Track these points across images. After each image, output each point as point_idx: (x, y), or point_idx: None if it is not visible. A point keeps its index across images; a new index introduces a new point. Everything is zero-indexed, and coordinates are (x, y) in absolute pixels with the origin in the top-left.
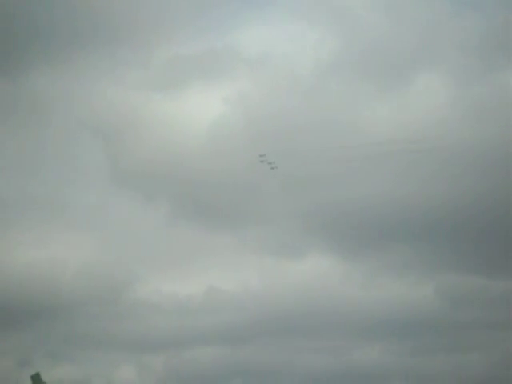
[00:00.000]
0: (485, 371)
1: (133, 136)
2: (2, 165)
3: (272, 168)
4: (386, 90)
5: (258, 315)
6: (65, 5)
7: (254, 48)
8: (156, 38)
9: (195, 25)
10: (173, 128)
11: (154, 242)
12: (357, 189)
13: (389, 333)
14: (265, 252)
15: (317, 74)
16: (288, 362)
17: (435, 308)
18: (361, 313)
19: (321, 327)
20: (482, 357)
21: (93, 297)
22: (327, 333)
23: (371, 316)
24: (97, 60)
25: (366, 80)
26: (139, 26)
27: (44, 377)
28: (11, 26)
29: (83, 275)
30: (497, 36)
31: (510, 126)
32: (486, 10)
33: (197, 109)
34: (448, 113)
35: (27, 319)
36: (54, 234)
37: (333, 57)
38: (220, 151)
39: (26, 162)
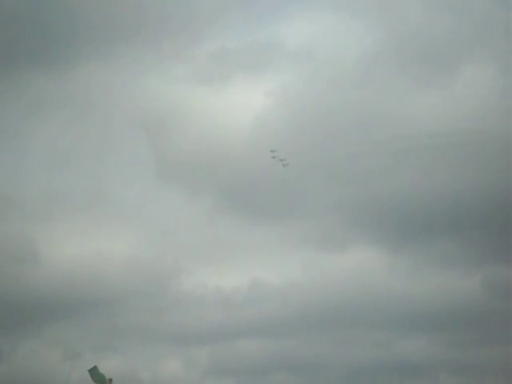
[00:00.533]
0: None
1: (177, 130)
2: (49, 159)
3: (284, 165)
4: (432, 81)
5: (302, 308)
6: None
7: (297, 41)
8: (201, 31)
9: (239, 18)
10: (216, 122)
11: (198, 236)
12: (401, 181)
13: (434, 325)
14: (308, 245)
15: (361, 66)
16: (332, 354)
17: (481, 300)
18: (405, 305)
19: (365, 319)
20: None
21: (139, 290)
22: (371, 325)
23: (416, 308)
24: (142, 54)
25: (411, 71)
26: (184, 19)
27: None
28: (57, 23)
29: (129, 268)
30: None
31: None
32: None
33: (240, 102)
34: (496, 104)
35: (74, 312)
36: (101, 228)
37: (377, 48)
38: (263, 145)
39: (72, 156)
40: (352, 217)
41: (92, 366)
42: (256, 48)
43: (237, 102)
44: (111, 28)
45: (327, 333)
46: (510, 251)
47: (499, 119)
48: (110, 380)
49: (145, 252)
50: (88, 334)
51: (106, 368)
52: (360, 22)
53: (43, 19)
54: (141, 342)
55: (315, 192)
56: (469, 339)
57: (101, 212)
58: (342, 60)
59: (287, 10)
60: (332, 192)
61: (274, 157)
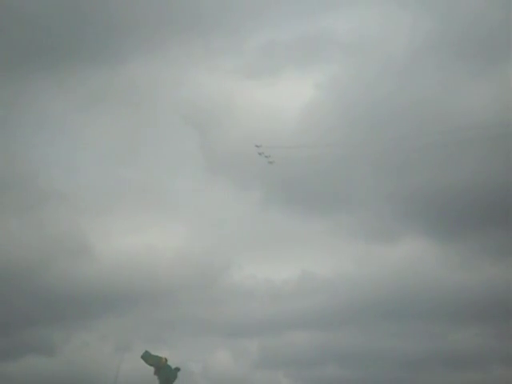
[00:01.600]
0: None
1: (226, 123)
2: (99, 153)
3: (270, 162)
4: (483, 71)
5: (353, 300)
6: None
7: (347, 32)
8: (250, 24)
9: (289, 11)
10: (265, 114)
11: (248, 228)
12: (452, 172)
13: (486, 316)
14: (359, 237)
15: (411, 57)
16: (383, 346)
17: None
18: (457, 296)
19: (416, 311)
20: None
21: (189, 282)
22: (422, 317)
23: (468, 299)
24: (192, 49)
25: (462, 61)
26: (233, 14)
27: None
28: (109, 19)
29: (180, 261)
30: None
31: None
32: None
33: (289, 95)
34: None
35: (126, 305)
36: (151, 221)
37: (427, 38)
38: (311, 137)
39: (122, 150)
40: (403, 208)
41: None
42: (306, 40)
43: (286, 94)
44: (162, 23)
45: (378, 324)
46: None
47: None
48: (166, 359)
49: (195, 245)
50: (139, 326)
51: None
52: (410, 12)
53: (96, 15)
54: (191, 334)
55: (365, 184)
56: None
57: (152, 205)
58: (391, 51)
59: (337, 2)
60: (382, 183)
61: (260, 153)
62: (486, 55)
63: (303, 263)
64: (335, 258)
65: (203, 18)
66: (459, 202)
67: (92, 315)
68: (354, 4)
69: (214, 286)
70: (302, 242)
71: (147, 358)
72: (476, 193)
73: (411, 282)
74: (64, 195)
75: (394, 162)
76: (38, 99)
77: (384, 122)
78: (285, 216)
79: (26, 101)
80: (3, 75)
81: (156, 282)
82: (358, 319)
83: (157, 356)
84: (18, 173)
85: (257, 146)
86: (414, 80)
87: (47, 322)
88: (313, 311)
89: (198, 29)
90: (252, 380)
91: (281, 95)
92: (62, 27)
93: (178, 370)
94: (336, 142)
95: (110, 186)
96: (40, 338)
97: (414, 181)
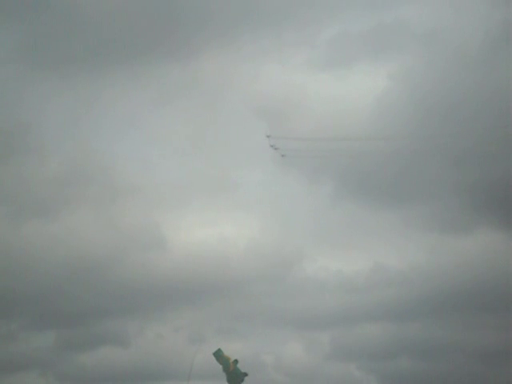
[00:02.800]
0: None
1: (297, 115)
2: (173, 148)
3: (282, 155)
4: None
5: (425, 292)
6: None
7: (420, 22)
8: (322, 17)
9: (360, 1)
10: (337, 107)
11: (320, 221)
12: None
13: None
14: (430, 228)
15: (486, 48)
16: (456, 338)
17: None
18: None
19: (489, 302)
20: None
21: (261, 274)
22: (496, 308)
23: None
24: (263, 42)
25: None
26: (305, 6)
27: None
28: (184, 13)
29: (252, 253)
30: None
31: None
32: None
33: (362, 86)
34: None
35: (199, 297)
36: (224, 214)
37: (503, 28)
38: (383, 129)
39: (195, 144)
40: (477, 199)
41: (216, 349)
42: (379, 31)
43: (359, 86)
44: (235, 18)
45: (452, 316)
46: None
47: None
48: (236, 361)
49: (268, 237)
50: (212, 318)
51: (230, 352)
52: (485, 2)
53: (170, 12)
54: (264, 326)
55: (439, 175)
56: None
57: (225, 198)
58: (467, 41)
59: None
60: (456, 175)
61: (271, 145)
62: None
63: (375, 255)
64: (408, 250)
65: (275, 11)
66: None
67: (166, 307)
68: None
69: (286, 278)
70: (374, 234)
71: (218, 357)
72: None
73: (487, 274)
74: (138, 189)
75: (468, 153)
76: (114, 96)
77: (458, 113)
78: (356, 208)
79: (104, 98)
80: (83, 74)
81: (229, 274)
82: (431, 311)
83: (227, 359)
84: (93, 167)
85: (268, 137)
86: (489, 70)
87: (122, 314)
88: (385, 303)
89: (270, 23)
90: (324, 372)
91: (353, 87)
92: (137, 25)
93: (245, 375)
94: (408, 133)
95: (184, 180)
96: (115, 330)
97: (489, 172)
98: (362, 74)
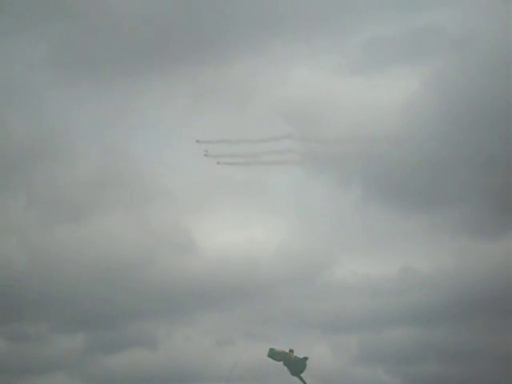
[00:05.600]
0: None
1: (326, 121)
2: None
3: (218, 163)
4: None
5: (453, 295)
6: None
7: (455, 27)
8: (353, 21)
9: (392, 5)
10: (367, 111)
11: (348, 224)
12: None
13: None
14: (459, 232)
15: None
16: (484, 343)
17: None
18: None
19: None
20: None
21: (290, 278)
22: None
23: None
24: (294, 47)
25: None
26: (336, 10)
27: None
28: (214, 19)
29: (280, 257)
30: None
31: None
32: None
33: (393, 91)
34: None
35: (228, 299)
36: (253, 217)
37: None
38: (413, 134)
39: (225, 148)
40: (507, 203)
41: (268, 351)
42: (411, 35)
43: (389, 90)
44: (266, 24)
45: (480, 320)
46: None
47: None
48: (292, 351)
49: (297, 240)
50: (240, 321)
51: (257, 355)
52: None
53: (202, 18)
54: (291, 329)
55: (468, 179)
56: None
57: (254, 202)
58: (500, 47)
59: None
60: (485, 179)
61: (205, 154)
62: None
63: (403, 259)
64: (436, 254)
65: (306, 17)
66: None
67: (194, 310)
68: None
69: (314, 281)
70: (402, 238)
71: (274, 355)
72: None
73: None
74: (169, 192)
75: (497, 157)
76: (146, 100)
77: (488, 117)
78: (385, 212)
79: (135, 102)
80: (115, 78)
81: (258, 277)
82: (459, 315)
83: (284, 352)
84: (124, 171)
85: (197, 141)
86: None
87: (151, 317)
88: (413, 307)
89: (301, 28)
90: (351, 375)
91: (384, 91)
92: (171, 30)
93: (306, 359)
94: (438, 138)
95: (214, 183)
96: (144, 332)
97: None
98: (393, 79)
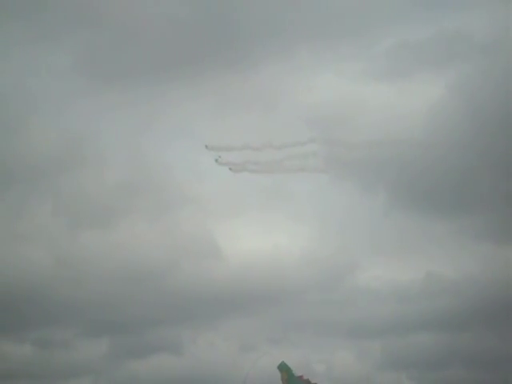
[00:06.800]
0: None
1: (351, 127)
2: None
3: (230, 169)
4: None
5: (478, 301)
6: (286, 2)
7: (481, 32)
8: (379, 27)
9: (418, 11)
10: (392, 117)
11: (373, 230)
12: None
13: None
14: (484, 238)
15: None
16: (509, 349)
17: None
18: None
19: None
20: None
21: (314, 284)
22: None
23: None
24: (319, 54)
25: None
26: (361, 16)
27: (263, 366)
28: (239, 25)
29: (305, 263)
30: None
31: None
32: None
33: (418, 96)
34: None
35: (251, 305)
36: (278, 223)
37: None
38: (439, 139)
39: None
40: None
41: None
42: (438, 41)
43: (415, 96)
44: (291, 30)
45: (505, 327)
46: None
47: None
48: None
49: (321, 246)
50: (264, 326)
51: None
52: None
53: (227, 24)
54: (316, 335)
55: (493, 184)
56: None
57: (279, 208)
58: None
59: (469, 1)
60: (510, 185)
61: (216, 159)
62: None
63: (428, 264)
64: (461, 260)
65: (331, 23)
66: None
67: (218, 315)
68: (487, 2)
69: (339, 287)
70: (427, 244)
71: (282, 369)
72: None
73: None
74: (194, 199)
75: None
76: (172, 108)
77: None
78: (409, 217)
79: (162, 110)
80: (142, 87)
81: (282, 282)
82: (484, 321)
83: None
84: (149, 178)
85: (206, 147)
86: None
87: (176, 322)
88: (438, 312)
89: (326, 34)
90: (375, 381)
91: (410, 97)
92: (197, 38)
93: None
94: (463, 143)
95: (238, 190)
96: (168, 338)
97: None
98: (419, 84)
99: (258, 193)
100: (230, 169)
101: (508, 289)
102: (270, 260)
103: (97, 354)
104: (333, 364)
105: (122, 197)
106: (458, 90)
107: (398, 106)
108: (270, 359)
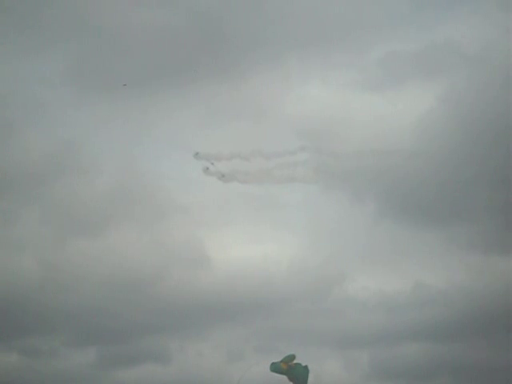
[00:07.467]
0: None
1: (340, 136)
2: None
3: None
4: None
5: (468, 311)
6: (276, 10)
7: (472, 44)
8: (369, 37)
9: (413, 21)
10: (382, 127)
11: (361, 240)
12: None
13: None
14: (474, 248)
15: None
16: (499, 359)
17: None
18: None
19: None
20: None
21: (303, 294)
22: None
23: None
24: (309, 63)
25: None
26: (352, 27)
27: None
28: (229, 34)
29: (294, 272)
30: None
31: None
32: None
33: (408, 107)
34: None
35: (239, 315)
36: (266, 233)
37: None
38: (428, 150)
39: (238, 164)
40: None
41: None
42: (428, 52)
43: (404, 107)
44: (281, 38)
45: (494, 337)
46: None
47: None
48: (294, 356)
49: (310, 256)
50: (252, 336)
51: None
52: None
53: (218, 33)
54: (303, 345)
55: (482, 194)
56: None
57: (268, 217)
58: None
59: (459, 11)
60: (500, 194)
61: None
62: None
63: (417, 275)
64: (450, 270)
65: (321, 32)
66: None
67: (206, 325)
68: (478, 13)
69: (327, 297)
70: (416, 253)
71: (276, 368)
72: None
73: None
74: (183, 208)
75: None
76: (161, 117)
77: (504, 136)
78: (398, 227)
79: (151, 119)
80: (132, 97)
81: (270, 292)
82: (473, 332)
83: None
84: (139, 186)
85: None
86: None
87: (164, 331)
88: (427, 323)
89: (316, 43)
90: None
91: (399, 107)
92: (186, 47)
93: (306, 367)
94: (452, 154)
95: (227, 199)
96: (157, 347)
97: None
98: (408, 95)
99: (248, 202)
100: (220, 178)
101: (498, 299)
102: (259, 269)
103: (84, 363)
104: (320, 373)
105: (112, 205)
106: (448, 101)
107: (388, 115)
108: (258, 369)
